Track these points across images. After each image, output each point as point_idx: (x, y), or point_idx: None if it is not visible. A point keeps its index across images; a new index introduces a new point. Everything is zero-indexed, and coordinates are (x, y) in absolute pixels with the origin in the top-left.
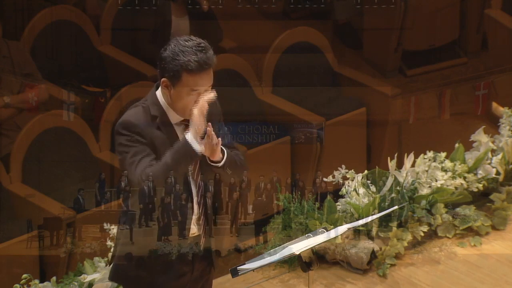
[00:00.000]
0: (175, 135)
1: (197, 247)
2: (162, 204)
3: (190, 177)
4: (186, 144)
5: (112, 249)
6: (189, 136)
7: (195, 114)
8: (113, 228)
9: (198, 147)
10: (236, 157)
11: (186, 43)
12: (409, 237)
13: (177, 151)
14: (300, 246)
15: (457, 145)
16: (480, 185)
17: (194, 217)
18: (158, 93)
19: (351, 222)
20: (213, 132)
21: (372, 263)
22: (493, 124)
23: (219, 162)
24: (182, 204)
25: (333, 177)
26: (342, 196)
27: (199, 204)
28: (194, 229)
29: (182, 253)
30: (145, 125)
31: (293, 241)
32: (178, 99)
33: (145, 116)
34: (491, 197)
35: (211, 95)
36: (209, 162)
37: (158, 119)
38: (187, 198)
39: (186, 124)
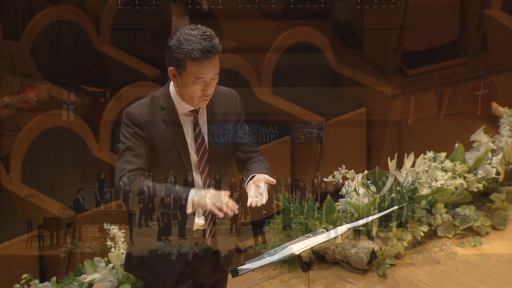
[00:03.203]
0: (179, 128)
1: (202, 244)
2: (162, 204)
3: (194, 171)
4: (182, 199)
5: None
6: (191, 195)
7: (211, 202)
8: (113, 228)
9: (190, 209)
10: (266, 169)
11: (192, 31)
12: (409, 237)
13: (170, 195)
14: (300, 246)
15: (457, 145)
16: (480, 185)
17: (201, 210)
18: (171, 84)
19: (351, 222)
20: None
21: (372, 263)
22: (493, 124)
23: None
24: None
25: (333, 177)
26: (342, 196)
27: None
28: (201, 221)
29: (189, 246)
30: (148, 117)
31: (293, 241)
32: (184, 87)
33: (151, 108)
34: (491, 197)
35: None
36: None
37: (166, 111)
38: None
39: (194, 115)
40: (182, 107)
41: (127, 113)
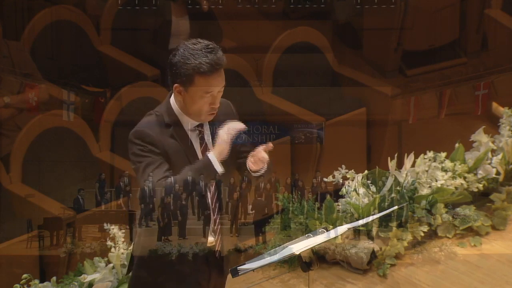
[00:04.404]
0: (189, 143)
1: (213, 257)
2: (163, 205)
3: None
4: (209, 164)
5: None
6: (212, 156)
7: (222, 137)
8: (113, 228)
9: (219, 168)
10: (271, 164)
11: (195, 46)
12: (409, 237)
13: (198, 169)
14: (300, 246)
15: (457, 145)
16: (480, 185)
17: (210, 225)
18: (172, 100)
19: (351, 222)
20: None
21: (372, 263)
22: (493, 124)
23: (258, 171)
24: (183, 207)
25: (333, 177)
26: (342, 196)
27: (213, 211)
28: (210, 238)
29: (198, 263)
30: (158, 134)
31: (293, 241)
32: (192, 103)
33: (158, 125)
34: (491, 197)
35: (241, 125)
36: (249, 171)
37: (172, 128)
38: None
39: (200, 129)
40: (188, 123)
41: (137, 132)
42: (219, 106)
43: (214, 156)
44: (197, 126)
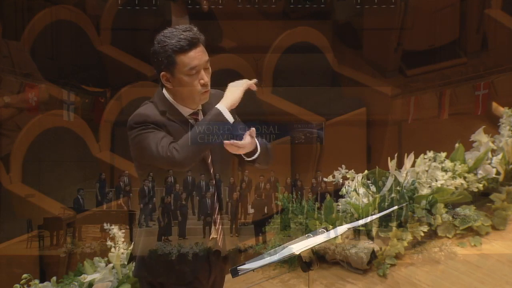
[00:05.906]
0: (188, 125)
1: (213, 255)
2: (163, 204)
3: (197, 173)
4: (219, 115)
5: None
6: (221, 106)
7: (233, 88)
8: (113, 228)
9: (231, 117)
10: (267, 150)
11: (170, 29)
12: (409, 237)
13: (209, 121)
14: (300, 246)
15: (457, 145)
16: (480, 185)
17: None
18: (164, 91)
19: (351, 222)
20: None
21: (372, 263)
22: (493, 124)
23: (251, 156)
24: (183, 205)
25: (333, 177)
26: (342, 196)
27: (214, 205)
28: (212, 229)
29: (199, 257)
30: (158, 117)
31: (293, 241)
32: (182, 86)
33: (156, 111)
34: (491, 197)
35: (254, 82)
36: (243, 156)
37: (168, 113)
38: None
39: (195, 118)
40: (183, 112)
41: (137, 115)
42: (215, 96)
43: (224, 106)
44: (192, 114)
